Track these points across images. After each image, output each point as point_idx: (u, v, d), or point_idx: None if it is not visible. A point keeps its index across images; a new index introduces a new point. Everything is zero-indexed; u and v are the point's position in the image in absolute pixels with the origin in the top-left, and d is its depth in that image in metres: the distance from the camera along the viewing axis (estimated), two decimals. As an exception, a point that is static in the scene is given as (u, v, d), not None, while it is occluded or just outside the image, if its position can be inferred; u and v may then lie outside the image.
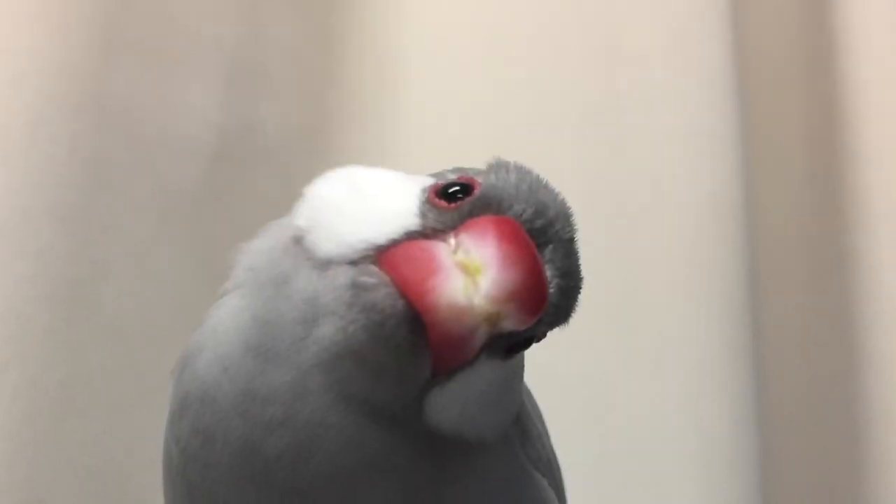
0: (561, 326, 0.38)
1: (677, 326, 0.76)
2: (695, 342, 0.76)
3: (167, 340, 0.60)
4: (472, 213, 0.35)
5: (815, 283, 0.84)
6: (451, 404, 0.35)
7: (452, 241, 0.34)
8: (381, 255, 0.34)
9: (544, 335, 0.39)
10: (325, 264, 0.35)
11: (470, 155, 0.44)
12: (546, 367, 0.67)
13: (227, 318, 0.38)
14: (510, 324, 0.33)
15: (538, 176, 0.38)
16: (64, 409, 0.63)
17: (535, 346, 0.38)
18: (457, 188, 0.37)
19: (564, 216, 0.37)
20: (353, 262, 0.35)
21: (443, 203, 0.36)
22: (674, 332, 0.76)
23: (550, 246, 0.36)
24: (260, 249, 0.39)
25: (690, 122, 0.79)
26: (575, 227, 0.38)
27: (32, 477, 0.61)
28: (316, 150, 0.78)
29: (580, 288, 0.38)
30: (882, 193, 0.82)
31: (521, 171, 0.38)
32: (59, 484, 0.62)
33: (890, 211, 0.82)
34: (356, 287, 0.34)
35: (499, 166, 0.38)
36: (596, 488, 0.73)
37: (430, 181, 0.38)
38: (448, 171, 0.40)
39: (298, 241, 0.37)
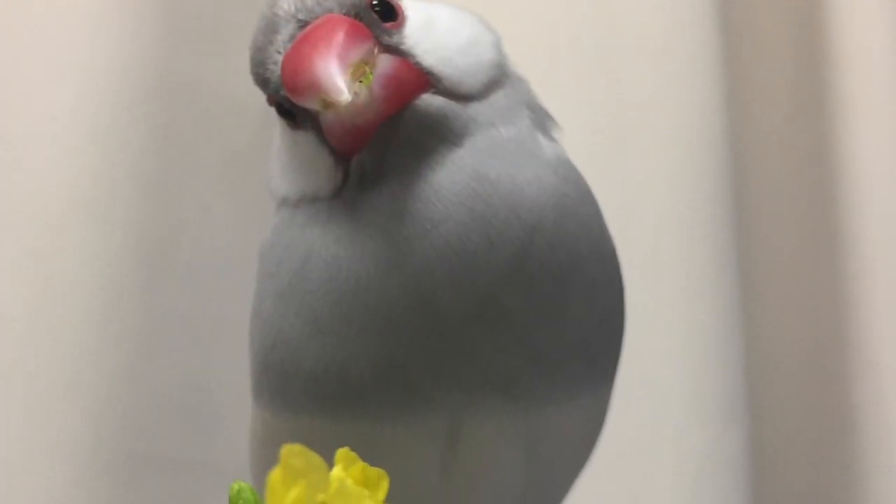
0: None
1: (666, 234, 0.78)
2: (683, 254, 0.78)
3: (237, 282, 0.66)
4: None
5: (801, 187, 0.84)
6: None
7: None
8: None
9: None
10: None
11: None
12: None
13: None
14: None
15: None
16: (152, 349, 0.69)
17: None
18: None
19: None
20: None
21: None
22: (662, 241, 0.78)
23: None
24: None
25: (679, 38, 0.80)
26: None
27: (128, 410, 0.68)
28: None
29: None
30: (866, 99, 0.81)
31: None
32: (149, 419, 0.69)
33: (876, 114, 0.81)
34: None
35: None
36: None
37: None
38: None
39: None
